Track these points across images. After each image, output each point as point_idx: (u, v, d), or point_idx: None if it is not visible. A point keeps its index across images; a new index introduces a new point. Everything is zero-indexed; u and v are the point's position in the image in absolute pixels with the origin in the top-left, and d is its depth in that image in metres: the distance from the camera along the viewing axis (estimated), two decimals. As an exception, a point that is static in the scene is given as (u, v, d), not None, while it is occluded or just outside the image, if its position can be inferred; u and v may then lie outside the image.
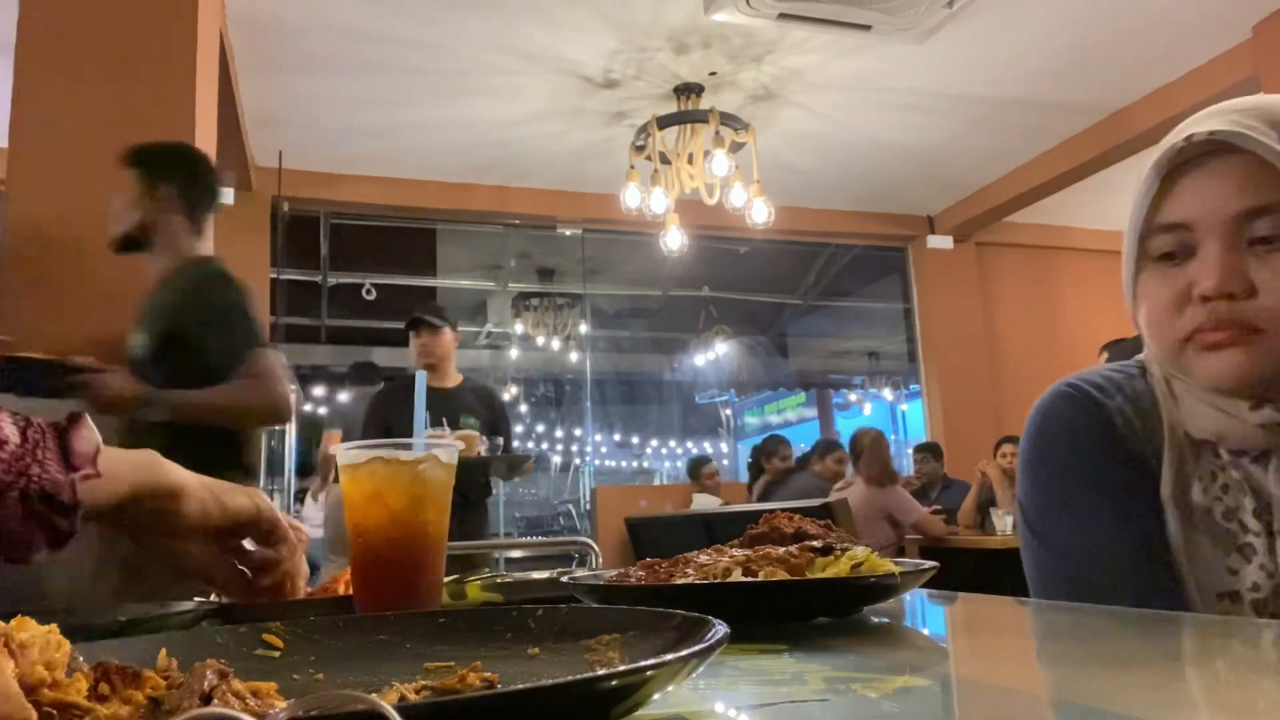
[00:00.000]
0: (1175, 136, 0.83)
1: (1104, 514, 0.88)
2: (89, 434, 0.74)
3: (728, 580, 0.73)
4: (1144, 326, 0.88)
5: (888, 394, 9.87)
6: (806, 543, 0.80)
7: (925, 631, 0.81)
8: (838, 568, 0.74)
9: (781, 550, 0.77)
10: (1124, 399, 0.92)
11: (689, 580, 0.74)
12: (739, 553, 0.79)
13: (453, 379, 3.69)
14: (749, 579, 0.73)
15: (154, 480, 0.77)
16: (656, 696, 0.37)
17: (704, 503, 5.67)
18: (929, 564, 0.78)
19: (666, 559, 0.82)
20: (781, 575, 0.73)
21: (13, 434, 0.70)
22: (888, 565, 0.75)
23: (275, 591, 0.84)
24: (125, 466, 0.76)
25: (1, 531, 0.70)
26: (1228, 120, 0.80)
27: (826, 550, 0.77)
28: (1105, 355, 3.96)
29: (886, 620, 0.78)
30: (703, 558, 0.80)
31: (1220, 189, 0.81)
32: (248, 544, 0.84)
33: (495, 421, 3.66)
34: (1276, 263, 0.79)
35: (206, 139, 2.65)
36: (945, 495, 5.54)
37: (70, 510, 0.71)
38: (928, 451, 5.84)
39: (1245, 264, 0.80)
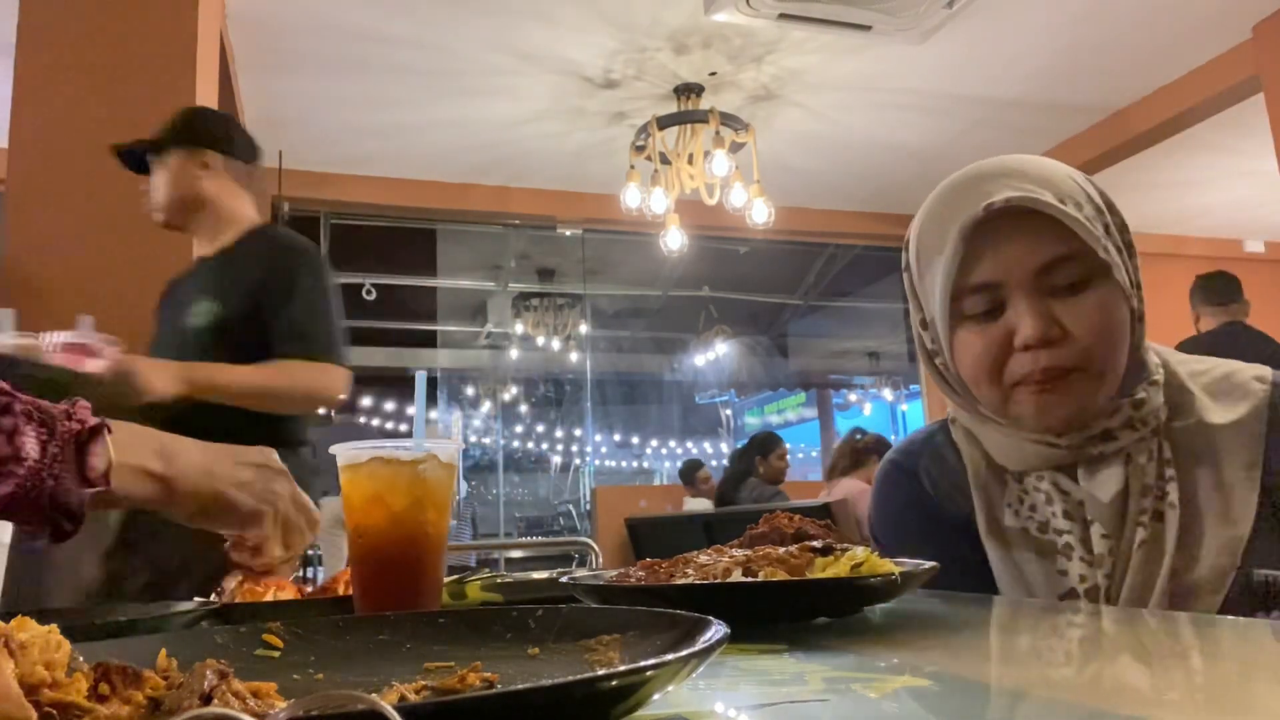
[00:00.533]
0: (971, 205, 0.90)
1: (929, 545, 0.99)
2: (104, 450, 0.79)
3: (728, 580, 0.73)
4: (965, 374, 0.95)
5: (888, 394, 9.87)
6: (806, 543, 0.80)
7: (925, 631, 0.81)
8: (838, 568, 0.74)
9: (781, 550, 0.77)
10: (929, 459, 1.07)
11: (689, 580, 0.74)
12: (739, 553, 0.79)
13: (215, 238, 2.04)
14: (749, 579, 0.73)
15: (157, 499, 0.83)
16: (656, 696, 0.37)
17: (696, 507, 5.66)
18: (929, 564, 0.78)
19: (666, 559, 0.82)
20: (781, 575, 0.73)
21: (33, 450, 0.76)
22: (888, 565, 0.75)
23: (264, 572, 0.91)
24: (130, 480, 0.81)
25: (8, 517, 0.77)
26: (1012, 187, 0.90)
27: (826, 550, 0.76)
28: None
29: (886, 620, 0.78)
30: (703, 558, 0.80)
31: (1021, 247, 0.90)
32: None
33: (262, 306, 1.92)
34: (1079, 305, 0.89)
35: (206, 139, 2.65)
36: None
37: (75, 516, 0.77)
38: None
39: (1053, 311, 0.89)
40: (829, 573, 0.73)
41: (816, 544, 0.78)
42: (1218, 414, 0.93)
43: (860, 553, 0.76)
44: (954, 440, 1.05)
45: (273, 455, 0.91)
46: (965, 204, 0.91)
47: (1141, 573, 0.88)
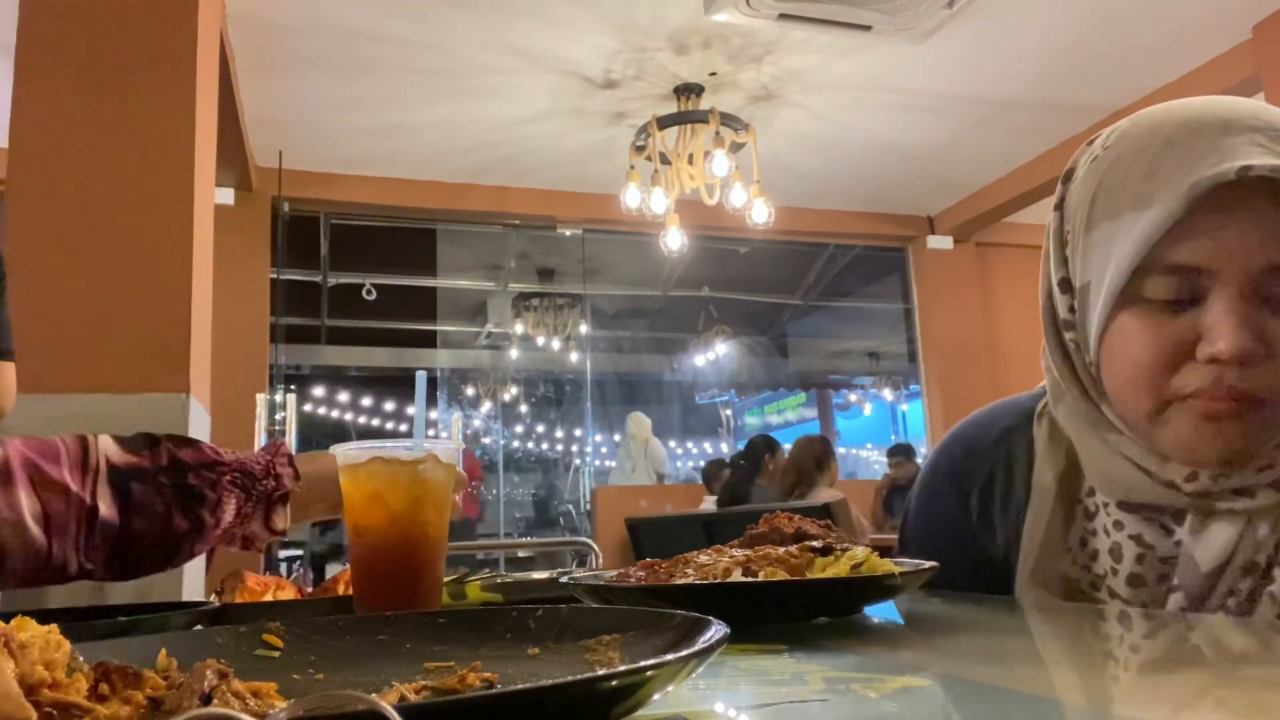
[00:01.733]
0: (1209, 159, 0.69)
1: (960, 575, 0.90)
2: (284, 513, 0.96)
3: (728, 580, 0.73)
4: (1113, 369, 0.76)
5: (888, 394, 9.87)
6: (806, 543, 0.80)
7: (925, 631, 0.81)
8: (838, 568, 0.74)
9: (781, 550, 0.78)
10: (989, 473, 0.89)
11: (689, 580, 0.74)
12: (739, 553, 0.79)
13: None
14: (749, 579, 0.73)
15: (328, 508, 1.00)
16: (656, 696, 0.37)
17: (713, 505, 5.65)
18: (929, 564, 0.78)
19: (666, 559, 0.82)
20: (781, 575, 0.73)
21: (230, 514, 0.93)
22: (888, 565, 0.75)
23: None
24: (312, 514, 1.00)
25: (180, 549, 0.93)
26: (1275, 153, 0.68)
27: (826, 550, 0.77)
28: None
29: (886, 620, 0.78)
30: (703, 558, 0.80)
31: (1252, 235, 0.69)
32: None
33: None
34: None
35: (206, 139, 2.65)
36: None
37: (256, 549, 0.98)
38: (900, 454, 5.86)
39: (1262, 325, 0.69)
40: (829, 573, 0.73)
41: (816, 544, 0.78)
42: None
43: (860, 553, 0.76)
44: (1034, 440, 0.87)
45: None
46: (1199, 154, 0.69)
47: None
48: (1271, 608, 0.73)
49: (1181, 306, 0.71)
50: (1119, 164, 0.74)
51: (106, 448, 0.90)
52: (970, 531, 0.90)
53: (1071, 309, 0.78)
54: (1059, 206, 0.80)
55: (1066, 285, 0.79)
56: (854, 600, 0.75)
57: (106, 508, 0.88)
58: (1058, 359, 0.81)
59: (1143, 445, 0.76)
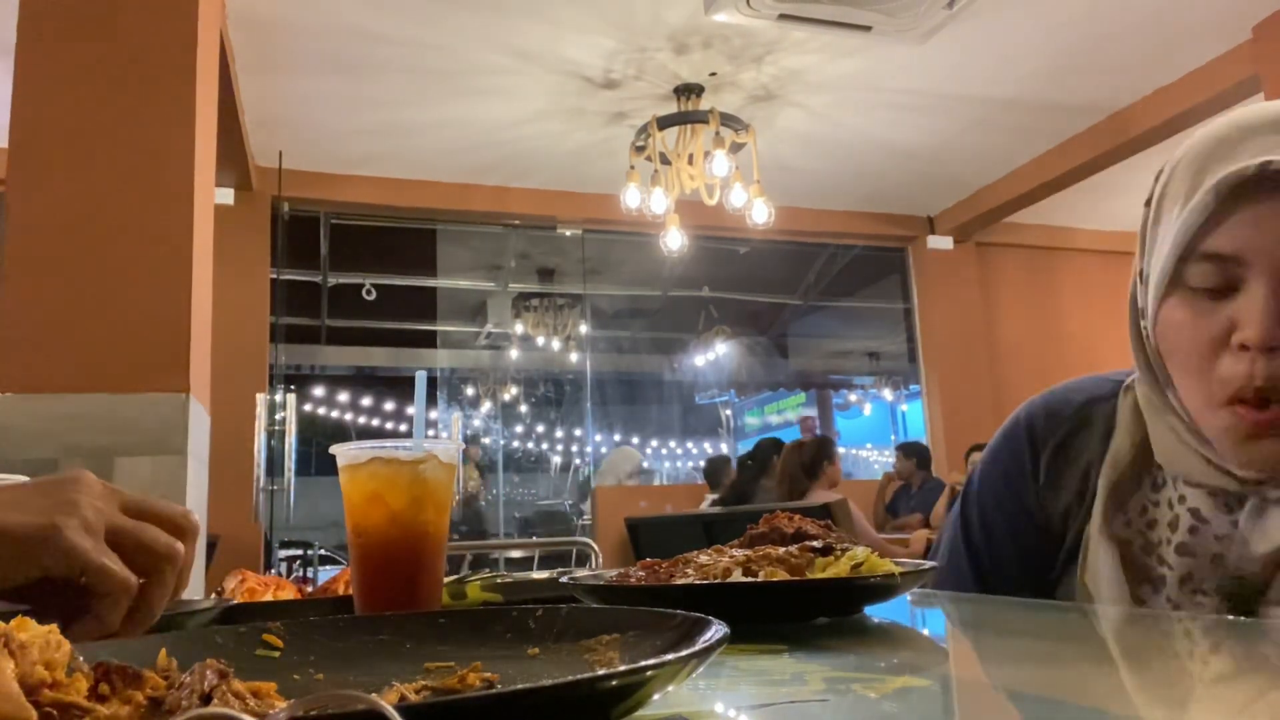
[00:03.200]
0: (1243, 157, 0.73)
1: (1010, 539, 0.93)
2: None
3: (728, 580, 0.73)
4: (1170, 362, 0.80)
5: (888, 394, 9.87)
6: (806, 543, 0.80)
7: (925, 631, 0.81)
8: (838, 568, 0.74)
9: (781, 550, 0.78)
10: (1069, 432, 0.92)
11: (689, 580, 0.74)
12: (739, 553, 0.79)
13: None
14: (749, 579, 0.73)
15: None
16: (656, 696, 0.37)
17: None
18: (928, 564, 0.78)
19: (666, 559, 0.82)
20: (781, 575, 0.73)
21: None
22: (888, 565, 0.75)
23: (131, 624, 0.61)
24: None
25: None
26: None
27: (826, 550, 0.77)
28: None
29: (886, 620, 0.78)
30: (703, 558, 0.80)
31: (1277, 227, 0.72)
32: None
33: None
34: None
35: (206, 139, 2.65)
36: (922, 495, 5.53)
37: None
38: (906, 452, 5.85)
39: None
40: (829, 573, 0.74)
41: (816, 544, 0.78)
42: None
43: (860, 553, 0.76)
44: (1117, 410, 0.89)
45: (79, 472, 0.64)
46: (1228, 155, 0.74)
47: None
48: None
49: (1221, 295, 0.75)
50: (1182, 162, 0.79)
51: None
52: (1036, 487, 0.92)
53: (1144, 297, 0.83)
54: (1147, 203, 0.84)
55: (1142, 275, 0.83)
56: (854, 600, 0.75)
57: None
58: (1135, 344, 0.85)
59: (1200, 434, 0.79)
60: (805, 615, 0.74)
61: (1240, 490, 0.77)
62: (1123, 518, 0.84)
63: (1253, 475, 0.75)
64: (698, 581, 0.74)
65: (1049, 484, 0.92)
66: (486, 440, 8.78)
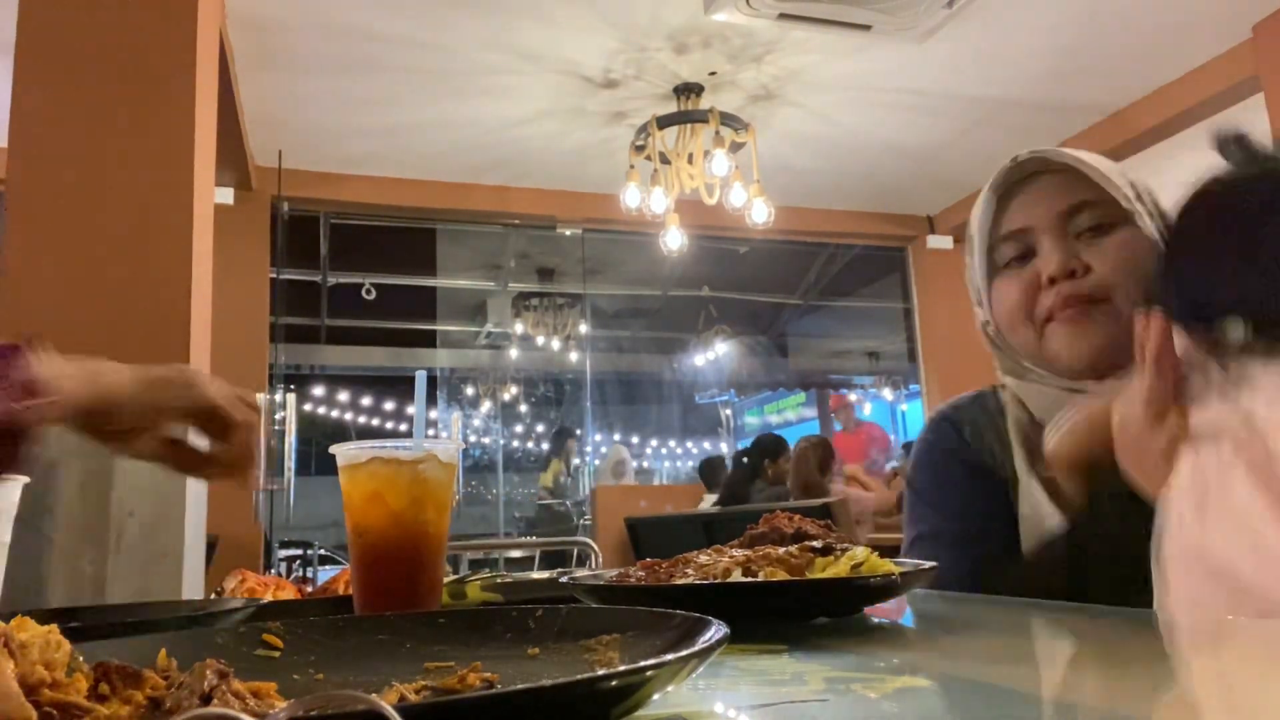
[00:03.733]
0: (997, 174, 1.03)
1: (959, 490, 1.11)
2: (26, 363, 0.77)
3: (728, 580, 0.73)
4: (1002, 323, 1.04)
5: (888, 394, 9.87)
6: (806, 543, 0.80)
7: (925, 631, 0.81)
8: (837, 568, 0.74)
9: (781, 550, 0.77)
10: (974, 411, 1.14)
11: (689, 580, 0.74)
12: (739, 553, 0.79)
13: None
14: (749, 579, 0.73)
15: (93, 394, 0.80)
16: (656, 696, 0.37)
17: (712, 503, 5.64)
18: (928, 564, 0.78)
19: (666, 559, 0.82)
20: (781, 575, 0.73)
21: None
22: (888, 565, 0.75)
23: (230, 471, 0.85)
24: (69, 384, 0.79)
25: None
26: (1047, 150, 1.02)
27: (826, 550, 0.76)
28: None
29: (886, 620, 0.78)
30: (703, 558, 0.80)
31: (1046, 195, 1.00)
32: (194, 438, 0.85)
33: None
34: (1102, 246, 0.98)
35: (206, 139, 2.65)
36: None
37: (18, 436, 0.76)
38: (908, 451, 5.83)
39: (1077, 250, 0.98)
40: (829, 573, 0.73)
41: (816, 544, 0.78)
42: None
43: (860, 553, 0.76)
44: (1001, 401, 1.12)
45: (194, 377, 0.86)
46: (999, 174, 1.05)
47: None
48: None
49: (1025, 261, 1.01)
50: (973, 211, 1.10)
51: None
52: (971, 450, 1.12)
53: (978, 302, 1.08)
54: (968, 257, 1.12)
55: (977, 296, 1.09)
56: (854, 600, 0.75)
57: None
58: (985, 343, 1.10)
59: (1046, 371, 1.02)
60: (805, 615, 0.73)
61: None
62: (1041, 464, 1.01)
63: (1084, 367, 0.97)
64: (698, 581, 0.74)
65: (975, 443, 1.12)
66: (487, 440, 8.78)
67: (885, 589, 0.73)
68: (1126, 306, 0.94)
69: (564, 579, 0.82)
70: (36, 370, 0.77)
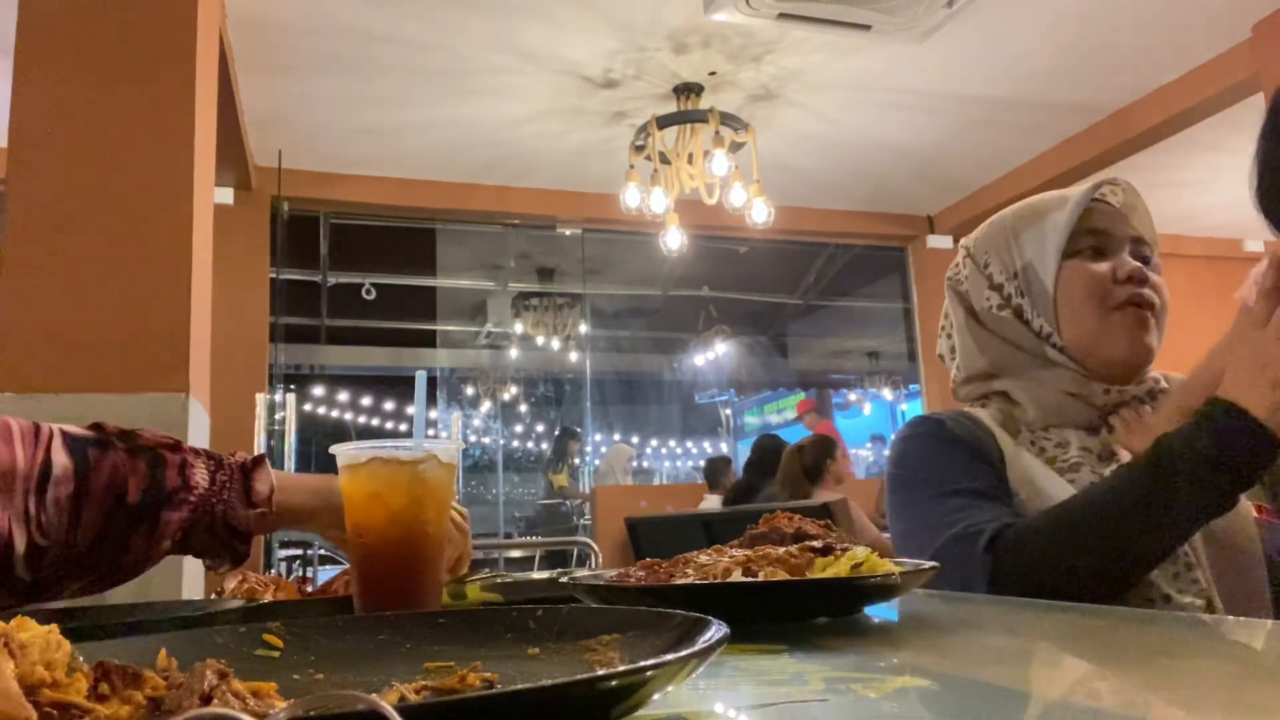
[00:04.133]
0: (1066, 201, 1.14)
1: (963, 461, 1.13)
2: (266, 476, 0.91)
3: (728, 580, 0.73)
4: (1072, 304, 1.12)
5: (887, 394, 9.87)
6: (807, 543, 0.80)
7: (925, 631, 0.81)
8: (838, 568, 0.74)
9: (781, 550, 0.77)
10: (955, 415, 1.19)
11: (689, 580, 0.74)
12: (739, 553, 0.79)
13: None
14: (749, 579, 0.73)
15: (321, 509, 0.93)
16: (656, 696, 0.37)
17: (713, 504, 5.63)
18: (929, 564, 0.78)
19: (666, 559, 0.82)
20: (782, 575, 0.72)
21: (203, 480, 0.89)
22: (888, 565, 0.75)
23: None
24: (300, 497, 0.93)
25: (189, 548, 0.89)
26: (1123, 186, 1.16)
27: (826, 550, 0.76)
28: None
29: (886, 620, 0.78)
30: (703, 558, 0.80)
31: (1124, 218, 1.15)
32: None
33: None
34: (1153, 274, 1.13)
35: (206, 139, 2.65)
36: None
37: (247, 538, 0.90)
38: None
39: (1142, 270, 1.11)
40: (829, 573, 0.73)
41: (816, 544, 0.78)
42: None
43: (860, 553, 0.75)
44: (975, 417, 1.18)
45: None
46: (1059, 199, 1.14)
47: None
48: None
49: (1101, 254, 1.13)
50: (988, 236, 1.22)
51: (59, 426, 0.89)
52: (956, 437, 1.16)
53: (1023, 288, 1.15)
54: (953, 278, 1.28)
55: (1015, 274, 1.16)
56: (854, 600, 0.75)
57: (61, 469, 0.83)
58: (1013, 326, 1.17)
59: (1075, 371, 1.12)
60: (805, 615, 0.73)
61: (1100, 414, 1.11)
62: (1034, 448, 1.11)
63: (1132, 361, 1.10)
64: (698, 581, 0.74)
65: (970, 435, 1.15)
66: (487, 440, 8.78)
67: (885, 589, 0.73)
68: (1161, 332, 1.11)
69: (564, 579, 0.82)
70: (270, 482, 0.91)
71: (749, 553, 0.78)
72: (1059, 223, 1.12)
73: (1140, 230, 1.15)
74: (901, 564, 0.78)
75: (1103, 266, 1.11)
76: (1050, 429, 1.13)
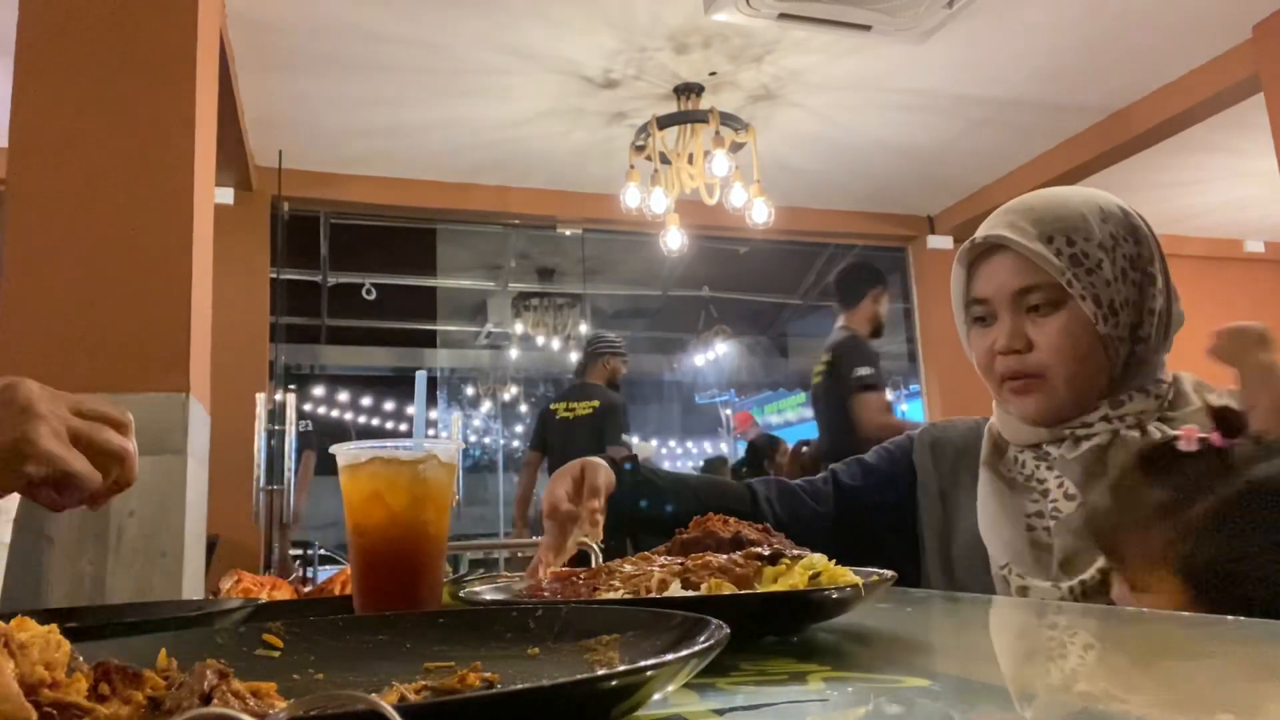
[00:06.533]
0: (969, 241, 1.15)
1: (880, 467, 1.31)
2: None
3: (665, 595, 0.64)
4: (978, 367, 1.17)
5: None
6: (751, 549, 0.72)
7: (925, 632, 0.81)
8: (792, 578, 0.65)
9: (723, 558, 0.69)
10: (940, 429, 1.29)
11: (618, 594, 0.66)
12: (667, 560, 0.72)
13: None
14: (690, 592, 0.64)
15: None
16: (656, 696, 0.37)
17: None
18: (888, 573, 0.72)
19: (589, 569, 0.74)
20: (728, 588, 0.64)
21: None
22: (848, 575, 0.67)
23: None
24: None
25: None
26: (1004, 224, 1.11)
27: (774, 558, 0.68)
28: None
29: (886, 621, 0.78)
30: (628, 567, 0.72)
31: (1004, 271, 1.11)
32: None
33: None
34: (1047, 325, 1.08)
35: (206, 139, 2.65)
36: None
37: None
38: None
39: (1025, 327, 1.09)
40: (782, 583, 0.65)
41: (763, 551, 0.70)
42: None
43: (818, 560, 0.68)
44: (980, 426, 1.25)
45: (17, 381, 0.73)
46: (963, 250, 1.16)
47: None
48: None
49: (988, 322, 1.14)
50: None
51: None
52: (883, 456, 1.32)
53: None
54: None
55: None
56: (814, 615, 0.66)
57: None
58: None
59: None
60: (753, 634, 0.63)
61: (1048, 437, 1.12)
62: (1003, 464, 1.16)
63: (1028, 419, 1.12)
64: (628, 598, 0.65)
65: (937, 472, 1.26)
66: (487, 440, 8.78)
67: (849, 602, 0.64)
68: (1061, 385, 1.07)
69: (461, 593, 0.75)
70: None
71: (684, 561, 0.69)
72: (957, 291, 1.17)
73: (1023, 276, 1.08)
74: (863, 573, 0.69)
75: (988, 338, 1.13)
76: (1017, 450, 1.18)
